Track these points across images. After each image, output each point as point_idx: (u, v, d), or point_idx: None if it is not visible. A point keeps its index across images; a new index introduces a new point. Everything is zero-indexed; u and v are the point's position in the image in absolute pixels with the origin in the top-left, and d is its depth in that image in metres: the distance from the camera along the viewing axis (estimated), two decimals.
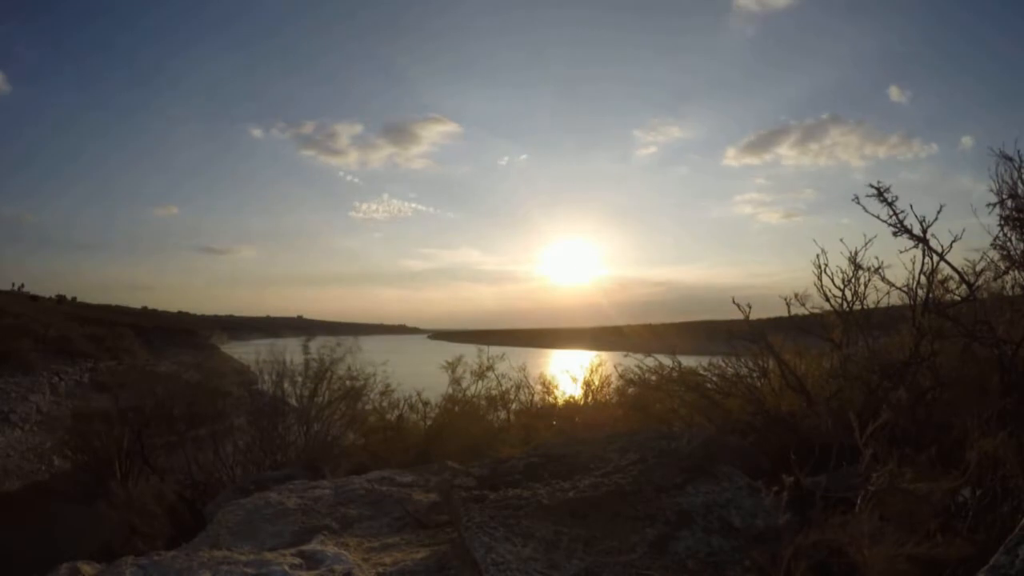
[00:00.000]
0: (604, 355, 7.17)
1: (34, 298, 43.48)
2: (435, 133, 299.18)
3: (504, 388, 7.33)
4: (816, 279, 3.78)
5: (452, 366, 7.31)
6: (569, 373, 7.07)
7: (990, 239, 3.37)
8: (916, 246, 3.30)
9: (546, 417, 6.38)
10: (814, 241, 3.76)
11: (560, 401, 6.98)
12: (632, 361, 4.79)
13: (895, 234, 3.31)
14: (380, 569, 2.38)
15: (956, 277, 3.36)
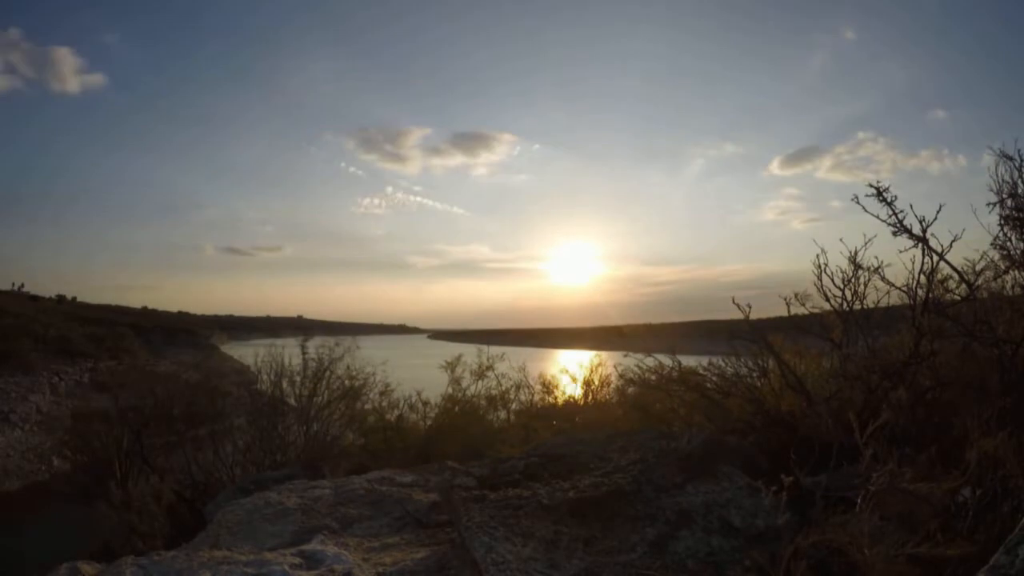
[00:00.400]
0: (605, 355, 7.17)
1: (34, 298, 43.50)
2: (504, 144, 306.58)
3: (504, 388, 7.33)
4: (816, 279, 3.78)
5: (451, 366, 7.31)
6: (569, 373, 7.08)
7: (990, 239, 3.37)
8: (916, 246, 3.29)
9: (546, 417, 6.38)
10: (814, 241, 3.75)
11: (560, 401, 6.98)
12: (632, 361, 4.79)
13: (895, 234, 3.30)
14: (380, 569, 2.37)
15: (956, 277, 3.36)
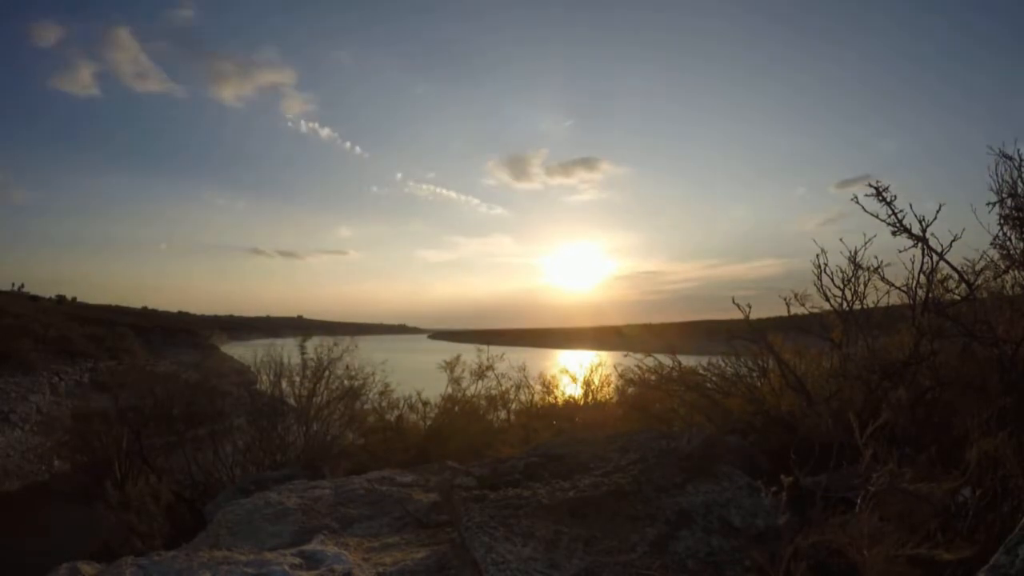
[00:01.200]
0: (606, 354, 7.16)
1: (34, 298, 43.52)
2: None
3: (504, 388, 7.33)
4: (816, 279, 3.78)
5: (451, 366, 7.31)
6: (569, 372, 7.07)
7: (990, 238, 3.36)
8: (915, 245, 3.29)
9: (546, 417, 6.37)
10: (813, 241, 3.75)
11: (560, 401, 6.97)
12: (632, 361, 4.79)
13: (894, 233, 3.30)
14: (380, 569, 2.37)
15: (956, 276, 3.36)
